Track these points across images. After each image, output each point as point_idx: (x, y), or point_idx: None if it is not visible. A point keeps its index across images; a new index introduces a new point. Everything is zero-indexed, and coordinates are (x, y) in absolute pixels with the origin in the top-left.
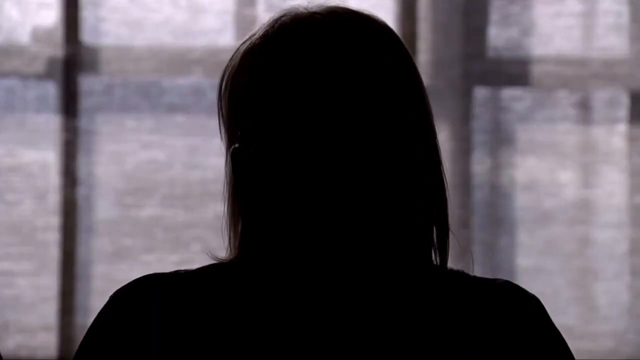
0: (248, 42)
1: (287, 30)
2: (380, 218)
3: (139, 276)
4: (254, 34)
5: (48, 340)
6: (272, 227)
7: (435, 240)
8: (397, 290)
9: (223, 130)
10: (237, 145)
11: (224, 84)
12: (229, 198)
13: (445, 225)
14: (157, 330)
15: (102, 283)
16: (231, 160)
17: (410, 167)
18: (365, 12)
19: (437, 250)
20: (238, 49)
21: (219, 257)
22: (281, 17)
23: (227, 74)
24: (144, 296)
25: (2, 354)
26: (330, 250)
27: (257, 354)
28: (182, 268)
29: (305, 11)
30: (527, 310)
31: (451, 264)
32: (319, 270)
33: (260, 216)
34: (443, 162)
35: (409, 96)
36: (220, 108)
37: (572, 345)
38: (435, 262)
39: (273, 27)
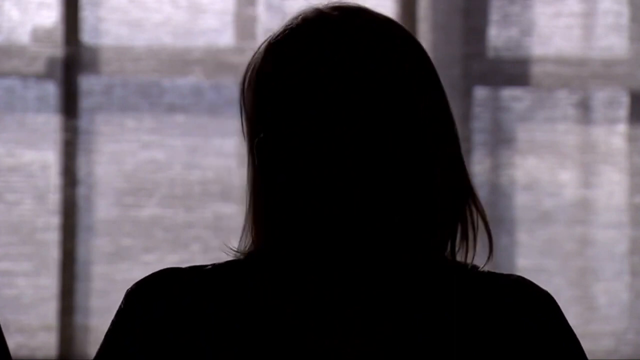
0: (271, 39)
1: (310, 25)
2: (397, 214)
3: (155, 271)
4: (277, 32)
5: (48, 340)
6: (294, 221)
7: (458, 236)
8: (411, 286)
9: (246, 126)
10: (262, 135)
11: (247, 79)
12: (252, 192)
13: (472, 220)
14: (174, 326)
15: (102, 283)
16: (256, 152)
17: (428, 164)
18: (374, 10)
19: (458, 247)
20: (260, 46)
21: (237, 249)
22: (301, 15)
23: (250, 70)
24: (160, 292)
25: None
26: (348, 248)
27: (279, 350)
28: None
29: (324, 9)
30: (540, 307)
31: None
32: (337, 267)
33: (283, 209)
34: (464, 158)
35: (427, 90)
36: (242, 104)
37: None
38: (454, 258)
39: (294, 24)
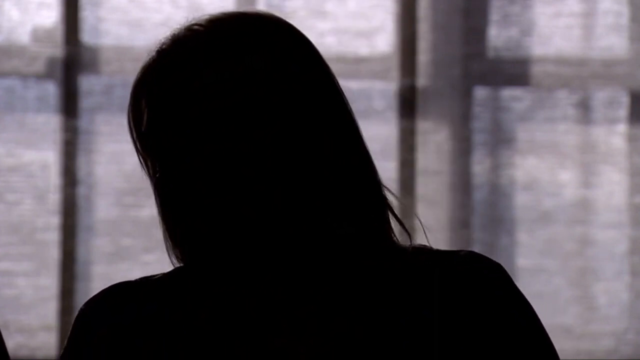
0: (138, 74)
1: (167, 54)
2: (305, 210)
3: (108, 285)
4: (138, 73)
5: (48, 340)
6: (205, 236)
7: (383, 217)
8: (367, 282)
9: (139, 159)
10: (157, 175)
11: (128, 117)
12: (160, 214)
13: (382, 203)
14: (129, 338)
15: (102, 283)
16: (154, 189)
17: (322, 156)
18: (249, 12)
19: (384, 226)
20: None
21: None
22: (161, 43)
23: (128, 105)
24: (113, 306)
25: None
26: (291, 248)
27: (232, 351)
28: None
29: (183, 29)
30: (491, 277)
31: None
32: (288, 268)
33: (192, 228)
34: (364, 140)
35: (306, 87)
36: (131, 139)
37: (572, 345)
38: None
39: (154, 55)
